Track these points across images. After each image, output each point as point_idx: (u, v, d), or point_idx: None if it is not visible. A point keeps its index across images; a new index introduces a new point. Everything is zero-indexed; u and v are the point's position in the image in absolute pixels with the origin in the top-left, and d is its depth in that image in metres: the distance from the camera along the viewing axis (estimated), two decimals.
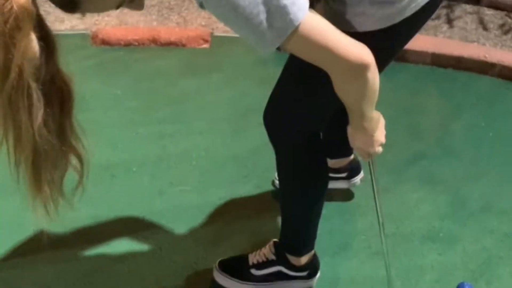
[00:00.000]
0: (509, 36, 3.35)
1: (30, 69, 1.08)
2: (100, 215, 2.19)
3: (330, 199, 2.28)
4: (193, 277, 1.99)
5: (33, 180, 1.19)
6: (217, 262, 1.97)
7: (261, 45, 1.25)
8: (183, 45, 3.26)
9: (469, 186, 2.39)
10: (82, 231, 2.14)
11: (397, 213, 2.26)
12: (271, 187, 2.32)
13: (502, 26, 3.44)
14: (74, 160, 1.24)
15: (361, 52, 1.30)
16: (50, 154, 1.18)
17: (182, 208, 2.24)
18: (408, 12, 1.44)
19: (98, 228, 2.15)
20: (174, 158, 2.47)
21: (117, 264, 2.02)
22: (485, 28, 3.42)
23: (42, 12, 1.12)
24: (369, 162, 1.72)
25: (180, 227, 2.17)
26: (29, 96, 1.10)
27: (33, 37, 1.08)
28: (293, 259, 1.92)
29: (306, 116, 1.65)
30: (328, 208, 2.24)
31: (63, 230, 2.11)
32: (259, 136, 2.42)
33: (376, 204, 1.83)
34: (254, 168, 2.44)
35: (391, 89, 2.90)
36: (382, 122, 1.57)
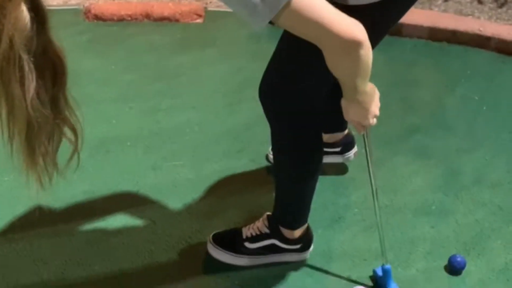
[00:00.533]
0: (504, 9, 3.34)
1: (21, 40, 1.08)
2: (95, 190, 2.20)
3: (324, 172, 2.28)
4: (187, 251, 2.00)
5: (27, 153, 1.19)
6: (211, 235, 1.98)
7: (253, 19, 1.24)
8: (177, 20, 3.24)
9: (462, 159, 2.40)
10: (76, 206, 2.14)
11: (390, 186, 2.27)
12: (265, 162, 2.33)
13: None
14: (68, 133, 1.24)
15: (353, 29, 1.29)
16: (43, 127, 1.18)
17: (176, 182, 2.25)
18: None
19: (92, 203, 2.16)
20: (168, 132, 2.48)
21: (111, 238, 2.03)
22: (480, 1, 3.40)
23: None
24: (363, 135, 1.72)
25: (174, 201, 2.18)
26: (21, 68, 1.10)
27: (24, 7, 1.08)
28: (286, 232, 1.94)
29: (301, 90, 1.65)
30: (322, 182, 2.24)
31: (58, 204, 2.12)
32: (253, 111, 2.44)
33: (370, 176, 1.85)
34: (248, 142, 2.44)
35: (385, 63, 2.90)
36: (377, 94, 1.58)
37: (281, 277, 1.93)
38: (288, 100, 1.68)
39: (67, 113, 1.23)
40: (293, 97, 1.66)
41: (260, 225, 1.97)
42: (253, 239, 1.96)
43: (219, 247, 1.96)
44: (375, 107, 1.58)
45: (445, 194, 2.25)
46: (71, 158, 1.26)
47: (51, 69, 1.17)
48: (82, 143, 1.26)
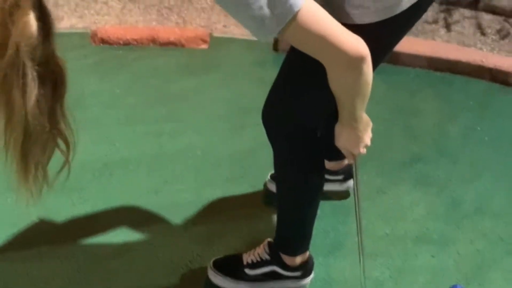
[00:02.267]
0: (506, 41, 3.37)
1: (27, 47, 1.10)
2: (97, 212, 2.20)
3: (325, 199, 2.30)
4: (187, 276, 2.00)
5: (20, 162, 1.20)
6: (212, 261, 1.98)
7: (260, 32, 1.26)
8: (182, 45, 3.27)
9: (464, 189, 2.40)
10: (78, 227, 2.15)
11: (391, 215, 2.27)
12: None
13: (499, 31, 3.46)
14: (61, 145, 1.25)
15: (357, 44, 1.31)
16: (40, 136, 1.19)
17: (177, 206, 2.25)
18: (405, 5, 1.46)
19: (94, 225, 2.16)
20: (170, 156, 2.49)
21: (112, 260, 2.03)
22: (482, 33, 3.44)
23: None
24: (353, 164, 1.73)
25: (175, 226, 2.18)
26: (24, 75, 1.12)
27: (32, 16, 1.10)
28: (287, 259, 1.93)
29: (304, 111, 1.66)
30: (323, 208, 2.25)
31: (59, 225, 2.13)
32: (256, 136, 2.45)
33: (356, 204, 1.84)
34: (250, 168, 2.45)
35: (388, 91, 2.92)
36: (370, 125, 1.59)
37: None
38: (291, 121, 1.68)
39: (62, 125, 1.24)
40: (296, 118, 1.67)
41: (260, 251, 1.97)
42: (254, 265, 1.95)
43: (219, 273, 1.95)
44: (367, 137, 1.59)
45: (446, 223, 2.25)
46: (61, 169, 1.27)
47: (52, 79, 1.19)
48: (73, 155, 1.27)
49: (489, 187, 2.42)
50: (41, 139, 1.19)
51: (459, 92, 2.99)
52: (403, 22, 1.54)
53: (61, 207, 2.20)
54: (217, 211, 2.26)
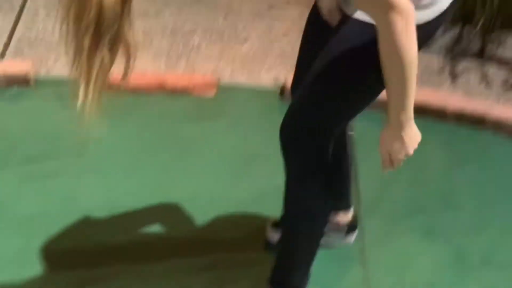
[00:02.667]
0: (511, 92, 3.39)
1: None
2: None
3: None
4: None
5: (87, 54, 1.25)
6: None
7: None
8: (190, 92, 3.30)
9: (470, 240, 2.39)
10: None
11: (396, 265, 2.26)
12: None
13: (505, 82, 3.48)
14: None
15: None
16: (111, 26, 1.24)
17: (183, 251, 2.24)
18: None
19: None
20: (176, 203, 2.48)
21: None
22: (488, 84, 3.46)
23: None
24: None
25: (182, 269, 2.17)
26: None
27: None
28: None
29: (324, 122, 1.66)
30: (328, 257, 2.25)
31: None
32: (261, 185, 2.46)
33: None
34: (256, 215, 2.44)
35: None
36: (419, 139, 1.64)
37: None
38: (310, 133, 1.68)
39: (128, 26, 1.29)
40: (315, 130, 1.67)
41: None
42: None
43: None
44: (411, 148, 1.63)
45: (452, 275, 2.24)
46: (124, 76, 1.29)
47: None
48: (134, 60, 1.28)
49: (495, 238, 2.40)
50: (112, 30, 1.21)
51: (464, 142, 2.99)
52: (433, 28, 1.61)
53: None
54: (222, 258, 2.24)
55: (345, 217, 2.23)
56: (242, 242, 2.30)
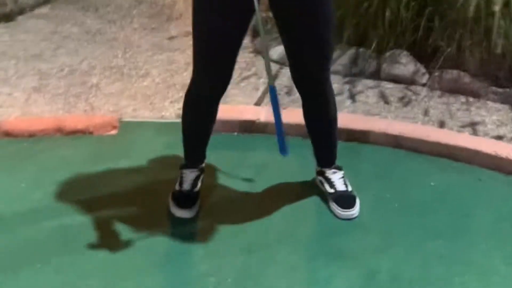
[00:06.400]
0: (409, 108, 3.50)
1: None
2: None
3: (240, 284, 2.26)
4: None
5: None
6: None
7: None
8: (90, 133, 3.22)
9: (378, 258, 2.41)
10: None
11: None
12: None
13: (402, 98, 3.60)
14: None
15: None
16: None
17: None
18: None
19: None
20: (79, 252, 2.39)
21: None
22: (386, 102, 3.56)
23: None
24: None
25: None
26: None
27: None
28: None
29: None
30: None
31: None
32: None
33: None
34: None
35: (297, 167, 2.95)
36: None
37: None
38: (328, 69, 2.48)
39: None
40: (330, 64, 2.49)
41: None
42: None
43: None
44: None
45: None
46: None
47: None
48: None
49: (402, 254, 2.44)
50: None
51: (366, 161, 3.06)
52: None
53: None
54: None
55: None
56: None
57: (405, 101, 3.57)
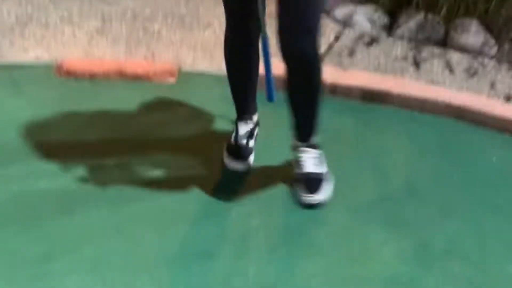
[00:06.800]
0: (474, 79, 3.38)
1: None
2: (54, 251, 2.12)
3: (290, 240, 2.25)
4: None
5: None
6: None
7: None
8: (149, 79, 3.21)
9: (433, 230, 2.37)
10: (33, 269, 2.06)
11: (358, 256, 2.23)
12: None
13: (468, 69, 3.47)
14: None
15: None
16: None
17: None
18: None
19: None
20: (134, 190, 2.42)
21: None
22: (451, 71, 3.45)
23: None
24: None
25: None
26: None
27: None
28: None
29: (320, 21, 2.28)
30: (289, 249, 2.22)
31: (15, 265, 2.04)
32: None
33: None
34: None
35: (356, 130, 2.90)
36: None
37: None
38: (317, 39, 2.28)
39: None
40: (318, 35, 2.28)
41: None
42: None
43: None
44: None
45: (415, 265, 2.21)
46: None
47: None
48: None
49: (458, 229, 2.38)
50: None
51: (428, 130, 2.97)
52: None
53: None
54: None
55: None
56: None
57: (471, 72, 3.45)
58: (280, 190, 2.50)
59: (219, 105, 3.00)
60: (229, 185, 2.53)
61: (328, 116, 2.87)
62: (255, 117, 2.67)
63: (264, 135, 2.69)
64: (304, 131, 2.48)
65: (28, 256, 2.11)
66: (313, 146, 2.49)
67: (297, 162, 2.49)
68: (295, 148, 2.51)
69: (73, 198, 2.38)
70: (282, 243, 2.26)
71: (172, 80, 3.24)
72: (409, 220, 2.41)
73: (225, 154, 2.61)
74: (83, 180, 2.46)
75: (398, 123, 3.02)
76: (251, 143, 2.63)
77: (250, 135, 2.63)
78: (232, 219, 2.37)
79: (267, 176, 2.57)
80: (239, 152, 2.59)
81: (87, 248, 2.17)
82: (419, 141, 2.88)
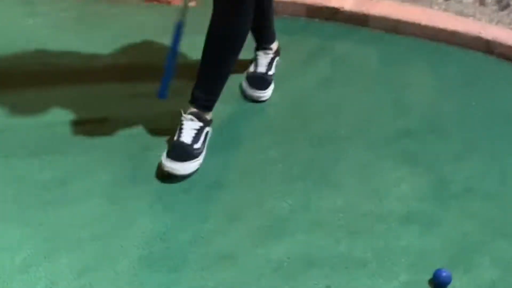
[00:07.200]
0: (505, 12, 3.24)
1: None
2: (67, 176, 2.10)
3: (307, 175, 2.20)
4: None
5: None
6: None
7: None
8: (168, 2, 3.12)
9: (453, 167, 2.30)
10: (47, 193, 2.05)
11: (375, 191, 2.17)
12: None
13: (499, 1, 3.32)
14: None
15: None
16: None
17: None
18: None
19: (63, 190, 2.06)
20: (151, 117, 2.38)
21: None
22: (482, 3, 3.30)
23: None
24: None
25: None
26: None
27: None
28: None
29: None
30: (306, 184, 2.17)
31: (27, 190, 2.03)
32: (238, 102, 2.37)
33: None
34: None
35: (379, 61, 2.80)
36: None
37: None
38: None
39: None
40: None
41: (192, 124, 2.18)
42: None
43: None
44: None
45: (432, 203, 2.15)
46: None
47: None
48: None
49: (480, 166, 2.31)
50: None
51: (454, 64, 2.87)
52: None
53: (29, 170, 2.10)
54: None
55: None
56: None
57: (502, 5, 3.30)
58: (298, 122, 2.44)
59: None
60: (248, 116, 2.47)
61: (352, 46, 2.79)
62: (273, 46, 2.59)
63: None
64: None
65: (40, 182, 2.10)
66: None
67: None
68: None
69: (85, 127, 2.35)
70: (299, 176, 2.21)
71: (192, 3, 3.14)
72: (428, 156, 2.34)
73: (244, 83, 2.54)
74: (98, 107, 2.42)
75: (423, 56, 2.92)
76: (271, 72, 2.56)
77: (270, 65, 2.56)
78: (250, 151, 2.32)
79: (286, 109, 2.50)
80: (259, 81, 2.54)
81: (102, 173, 2.15)
82: (444, 75, 2.78)
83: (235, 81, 2.55)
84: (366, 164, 2.29)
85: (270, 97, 2.54)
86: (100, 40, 2.79)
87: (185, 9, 2.16)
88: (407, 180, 2.23)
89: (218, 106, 2.32)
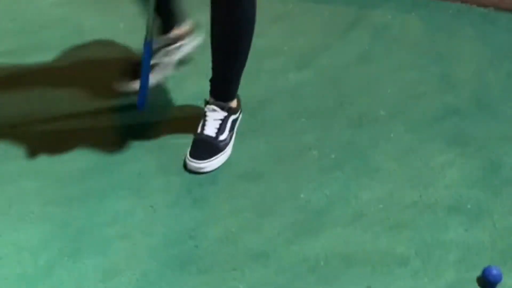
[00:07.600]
0: None
1: None
2: (93, 168, 2.02)
3: (345, 161, 2.08)
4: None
5: None
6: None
7: None
8: None
9: (505, 149, 2.15)
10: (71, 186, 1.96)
11: (420, 179, 2.04)
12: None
13: None
14: None
15: None
16: None
17: None
18: None
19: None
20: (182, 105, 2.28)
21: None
22: None
23: None
24: None
25: None
26: None
27: None
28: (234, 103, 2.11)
29: None
30: (344, 173, 2.04)
31: (50, 185, 1.95)
32: (269, 82, 2.26)
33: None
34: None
35: (424, 31, 2.64)
36: None
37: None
38: None
39: None
40: None
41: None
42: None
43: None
44: None
45: (483, 190, 2.01)
46: None
47: None
48: None
49: None
50: None
51: (504, 32, 2.68)
52: None
53: (55, 162, 2.01)
54: None
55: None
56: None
57: None
58: (334, 103, 2.31)
59: (272, 5, 2.76)
60: (280, 97, 2.34)
61: (393, 14, 2.63)
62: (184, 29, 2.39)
63: None
64: (219, 84, 2.10)
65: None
66: (223, 107, 2.09)
67: (201, 121, 2.11)
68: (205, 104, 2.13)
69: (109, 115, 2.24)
70: (337, 164, 2.08)
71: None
72: (477, 138, 2.19)
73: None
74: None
75: (471, 24, 2.73)
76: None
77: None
78: (283, 136, 2.19)
79: (320, 88, 2.36)
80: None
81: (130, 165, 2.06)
82: (494, 45, 2.61)
83: (264, 60, 2.40)
84: (409, 147, 2.16)
85: (303, 76, 2.38)
86: (125, 16, 2.67)
87: (150, 27, 2.09)
88: (455, 165, 2.10)
89: (247, 88, 2.19)
